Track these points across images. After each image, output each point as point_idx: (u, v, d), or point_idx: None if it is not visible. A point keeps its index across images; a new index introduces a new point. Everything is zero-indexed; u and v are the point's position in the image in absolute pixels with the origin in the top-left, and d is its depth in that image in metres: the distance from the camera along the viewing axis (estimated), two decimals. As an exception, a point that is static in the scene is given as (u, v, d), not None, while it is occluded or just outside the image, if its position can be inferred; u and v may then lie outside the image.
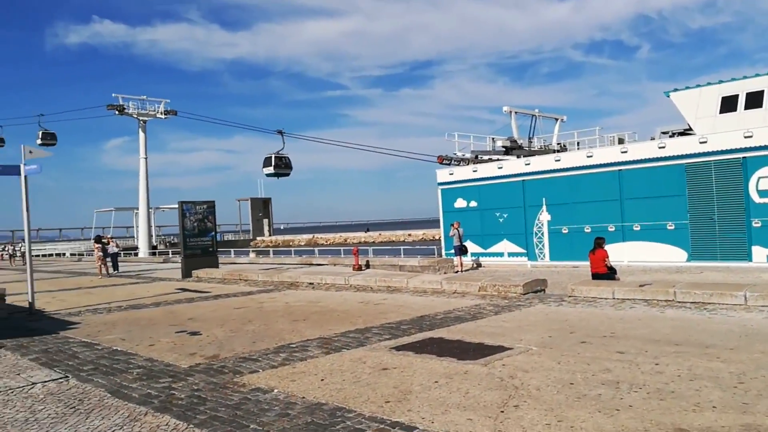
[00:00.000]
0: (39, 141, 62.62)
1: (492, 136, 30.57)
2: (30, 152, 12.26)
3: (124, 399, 5.43)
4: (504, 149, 29.19)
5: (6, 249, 50.12)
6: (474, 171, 24.78)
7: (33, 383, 6.13)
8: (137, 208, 69.27)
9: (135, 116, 65.30)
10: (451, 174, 25.39)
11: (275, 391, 5.47)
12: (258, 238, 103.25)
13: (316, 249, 29.82)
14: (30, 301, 12.34)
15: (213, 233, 21.86)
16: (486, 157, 28.98)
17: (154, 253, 55.62)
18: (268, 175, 45.78)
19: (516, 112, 30.05)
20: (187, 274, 20.48)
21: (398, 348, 7.10)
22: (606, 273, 12.33)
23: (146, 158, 67.39)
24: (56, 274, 27.56)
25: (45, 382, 6.18)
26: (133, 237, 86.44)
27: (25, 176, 12.10)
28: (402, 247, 27.05)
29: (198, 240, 21.25)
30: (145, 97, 66.11)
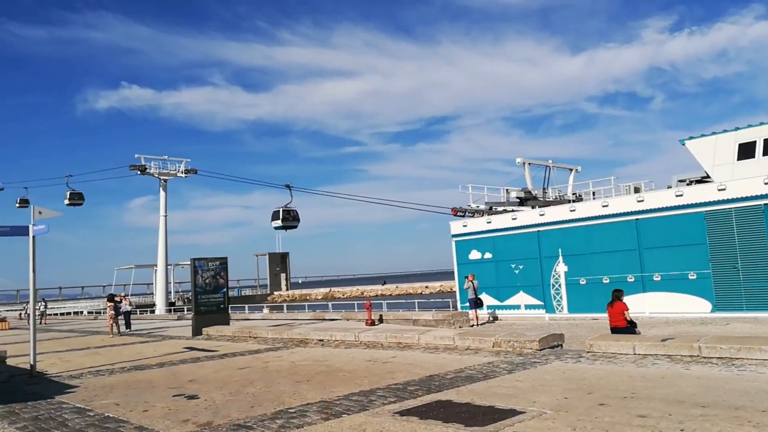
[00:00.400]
0: (67, 201, 63.56)
1: (506, 187, 30.40)
2: (40, 212, 12.26)
3: (103, 474, 5.05)
4: (518, 200, 28.94)
5: (25, 308, 50.15)
6: (488, 222, 24.46)
7: (13, 456, 5.79)
8: (156, 265, 69.58)
9: (156, 176, 66.52)
10: (465, 226, 25.10)
11: (265, 464, 5.07)
12: (275, 293, 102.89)
13: (329, 304, 29.40)
14: (32, 363, 12.07)
15: (225, 290, 21.60)
16: (500, 209, 28.71)
17: (170, 310, 55.53)
18: (276, 228, 46.90)
19: (529, 163, 29.94)
20: (197, 331, 20.13)
21: (402, 413, 6.65)
22: (626, 327, 11.77)
23: (166, 216, 68.19)
24: (69, 333, 27.38)
25: (25, 454, 5.84)
26: (152, 294, 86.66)
27: (33, 236, 12.06)
28: (417, 300, 26.51)
29: (210, 297, 20.97)
30: (166, 157, 67.48)
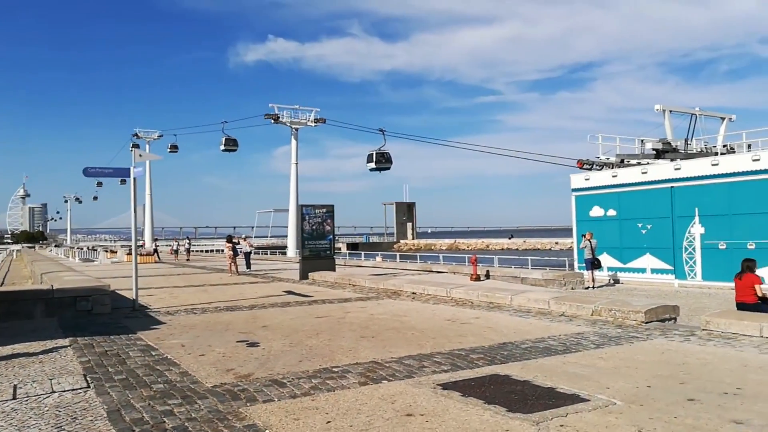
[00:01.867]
0: (222, 147, 67.76)
1: (641, 137, 27.38)
2: (140, 155, 12.80)
3: (112, 423, 4.93)
4: (654, 152, 25.91)
5: (172, 245, 55.06)
6: (614, 176, 22.15)
7: (53, 392, 5.92)
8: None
9: (288, 124, 69.15)
10: (587, 179, 22.97)
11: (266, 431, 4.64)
12: (401, 241, 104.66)
13: (440, 255, 28.81)
14: (134, 298, 12.86)
15: (331, 237, 21.81)
16: (634, 161, 25.93)
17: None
18: (371, 169, 50.55)
19: (671, 111, 26.57)
20: (303, 276, 20.61)
21: (447, 385, 5.91)
22: (755, 303, 9.88)
23: (297, 164, 71.06)
24: (199, 270, 29.53)
25: (65, 391, 5.94)
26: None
27: (134, 178, 12.64)
28: (530, 257, 25.05)
29: (316, 243, 21.31)
30: (297, 106, 69.71)
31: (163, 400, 5.57)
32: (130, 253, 46.22)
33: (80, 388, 6.03)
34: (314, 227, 21.27)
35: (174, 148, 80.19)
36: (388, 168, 50.78)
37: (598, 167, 26.99)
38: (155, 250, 46.74)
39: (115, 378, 6.47)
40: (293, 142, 70.61)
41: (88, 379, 6.42)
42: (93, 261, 44.29)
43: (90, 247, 73.41)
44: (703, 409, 5.09)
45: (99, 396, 5.74)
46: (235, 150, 69.91)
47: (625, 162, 25.98)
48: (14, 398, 5.71)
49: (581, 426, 4.66)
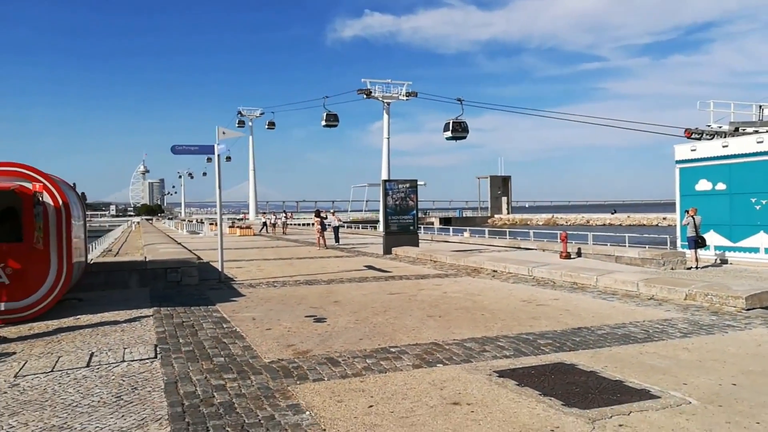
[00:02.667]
0: (324, 122, 68.92)
1: (759, 103, 24.73)
2: (223, 133, 13.20)
3: (166, 395, 5.10)
4: (774, 119, 23.32)
5: (268, 219, 56.63)
6: (724, 146, 20.15)
7: (123, 361, 6.25)
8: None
9: (380, 99, 69.27)
10: (694, 150, 21.08)
11: (306, 413, 4.60)
12: (496, 216, 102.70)
13: (530, 231, 27.76)
14: (220, 270, 13.42)
15: (414, 212, 21.64)
16: (751, 130, 23.50)
17: (389, 227, 58.65)
18: (447, 138, 51.95)
19: (795, 71, 23.71)
20: (387, 251, 20.66)
21: (504, 373, 5.60)
22: None
23: (389, 138, 71.25)
24: (292, 243, 30.50)
25: (133, 360, 6.26)
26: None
27: (218, 155, 13.08)
28: (627, 234, 23.50)
29: (399, 218, 21.25)
30: (389, 80, 69.54)
31: (220, 374, 5.70)
32: (231, 226, 48.72)
33: (148, 359, 6.32)
34: (398, 202, 21.19)
35: (271, 125, 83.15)
36: (465, 137, 52.42)
37: (708, 136, 24.71)
38: (274, 224, 47.19)
39: (183, 349, 6.73)
40: (385, 116, 70.70)
41: (158, 349, 6.72)
42: (198, 233, 47.08)
43: (199, 220, 78.25)
44: (795, 414, 4.46)
45: (163, 367, 5.98)
46: (336, 125, 70.77)
47: (740, 131, 23.59)
48: (88, 365, 6.09)
49: (643, 427, 4.22)
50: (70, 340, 7.31)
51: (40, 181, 8.78)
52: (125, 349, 6.77)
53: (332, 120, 70.13)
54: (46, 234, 8.75)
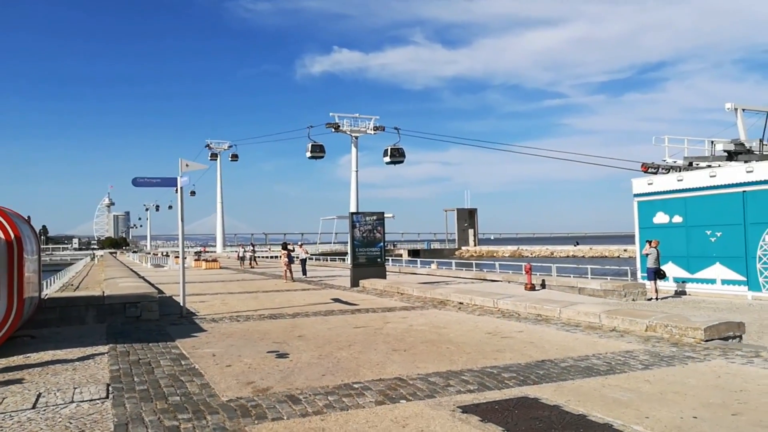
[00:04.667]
0: (309, 154, 68.05)
1: (711, 138, 25.73)
2: (186, 165, 13.04)
3: (116, 437, 4.87)
4: (726, 154, 24.26)
5: (238, 252, 55.35)
6: (679, 180, 20.81)
7: (72, 402, 5.97)
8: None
9: (348, 133, 69.75)
10: (650, 184, 21.68)
11: (263, 454, 4.44)
12: (463, 248, 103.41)
13: (497, 263, 28.01)
14: (182, 304, 13.09)
15: (382, 244, 21.61)
16: (704, 164, 24.35)
17: (357, 259, 58.49)
18: (387, 162, 58.60)
19: (744, 110, 24.81)
20: (354, 283, 20.51)
21: (467, 408, 5.53)
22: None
23: (357, 171, 71.46)
24: (258, 276, 30.05)
25: (83, 401, 5.98)
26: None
27: (181, 187, 12.89)
28: (589, 266, 23.92)
29: (367, 250, 21.19)
30: (357, 114, 70.20)
31: (174, 414, 5.48)
32: (197, 259, 47.75)
33: (98, 399, 6.05)
34: (365, 234, 21.15)
35: (234, 157, 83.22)
36: (402, 161, 59.55)
37: (664, 171, 25.50)
38: (242, 257, 45.62)
39: (137, 389, 6.47)
40: (353, 150, 71.12)
41: (110, 389, 6.45)
42: (163, 266, 46.05)
43: (164, 253, 76.62)
44: (753, 446, 4.50)
45: (114, 408, 5.73)
46: (322, 156, 69.66)
47: (694, 165, 24.43)
48: (34, 407, 5.79)
49: (605, 462, 4.19)
50: (17, 380, 6.96)
51: (-8, 214, 8.47)
52: (75, 389, 6.48)
53: (318, 151, 69.31)
54: (-5, 268, 8.40)
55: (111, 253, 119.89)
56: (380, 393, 6.14)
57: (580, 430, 4.91)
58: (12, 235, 8.63)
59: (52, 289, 27.98)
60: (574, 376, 6.82)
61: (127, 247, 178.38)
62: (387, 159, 59.36)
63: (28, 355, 8.49)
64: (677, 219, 20.37)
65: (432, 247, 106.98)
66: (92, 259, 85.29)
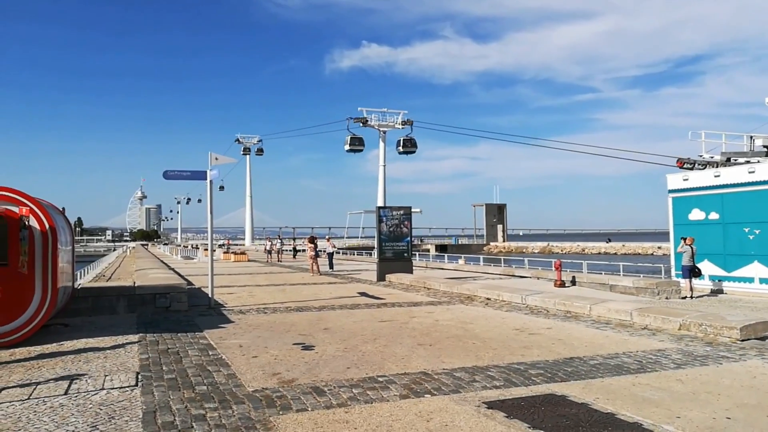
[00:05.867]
0: (347, 147, 68.31)
1: (750, 134, 24.96)
2: (216, 158, 13.17)
3: (144, 425, 4.94)
4: (766, 150, 23.49)
5: (265, 245, 55.01)
6: (716, 176, 20.23)
7: (102, 389, 6.08)
8: (380, 211, 73.59)
9: (376, 127, 69.63)
10: (686, 179, 21.14)
11: (287, 444, 4.45)
12: (492, 243, 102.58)
13: (525, 259, 27.63)
14: (210, 296, 13.26)
15: (408, 239, 21.56)
16: (742, 160, 23.64)
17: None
18: (399, 153, 63.26)
19: (786, 102, 23.97)
20: (381, 277, 20.51)
21: (492, 404, 5.46)
22: None
23: (385, 165, 71.44)
24: (286, 269, 30.29)
25: (113, 388, 6.09)
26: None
27: (211, 180, 13.03)
28: (621, 263, 23.45)
29: (393, 245, 21.16)
30: (385, 109, 70.10)
31: (201, 404, 5.54)
32: (226, 252, 48.38)
33: (128, 387, 6.15)
34: (392, 229, 21.12)
35: (260, 151, 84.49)
36: (414, 151, 63.53)
37: (700, 166, 24.81)
38: (269, 250, 42.44)
39: (165, 377, 6.56)
40: (381, 144, 71.04)
41: (139, 377, 6.55)
42: (192, 259, 46.80)
43: (194, 245, 77.85)
44: (790, 450, 4.34)
45: (143, 395, 5.82)
46: (361, 150, 69.35)
47: (732, 161, 23.73)
48: (66, 393, 5.91)
49: (634, 462, 4.09)
50: (51, 367, 7.13)
51: (27, 205, 8.69)
52: (106, 376, 6.60)
53: (357, 144, 69.14)
54: (31, 258, 8.63)
55: (143, 245, 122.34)
56: (405, 387, 6.11)
57: (608, 428, 4.80)
58: (47, 226, 8.84)
59: (86, 279, 28.65)
60: (603, 374, 6.69)
61: (159, 240, 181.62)
62: (400, 149, 63.19)
63: (62, 342, 8.70)
64: (713, 216, 19.83)
65: (459, 243, 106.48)
66: (124, 250, 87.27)
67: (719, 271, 19.57)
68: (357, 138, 69.68)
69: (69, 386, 6.17)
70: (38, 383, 6.33)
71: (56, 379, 6.49)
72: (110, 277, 32.30)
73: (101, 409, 5.37)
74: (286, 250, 51.59)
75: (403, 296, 15.48)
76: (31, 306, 8.61)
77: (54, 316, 10.00)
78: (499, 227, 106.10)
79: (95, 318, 11.30)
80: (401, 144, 63.28)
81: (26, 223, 8.55)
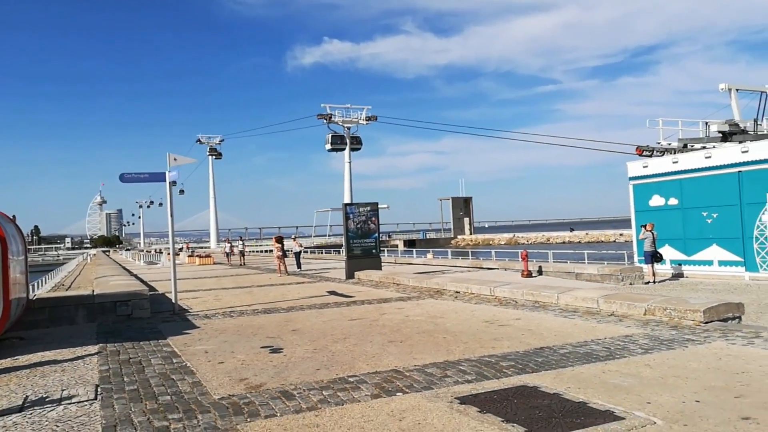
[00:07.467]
0: (329, 146, 69.52)
1: (705, 120, 25.66)
2: (175, 159, 12.81)
3: (103, 440, 4.71)
4: (721, 135, 24.19)
5: (224, 247, 53.03)
6: (674, 162, 20.73)
7: (60, 404, 5.79)
8: (346, 208, 73.74)
9: (340, 123, 69.29)
10: (645, 167, 21.61)
11: (255, 453, 4.28)
12: (459, 237, 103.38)
13: (492, 251, 27.92)
14: (173, 301, 12.91)
15: (376, 235, 21.46)
16: (699, 146, 24.28)
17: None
18: (328, 150, 69.35)
19: (738, 90, 24.75)
20: (349, 275, 20.36)
21: (465, 399, 5.39)
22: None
23: (350, 162, 71.12)
24: (253, 270, 29.88)
25: (71, 403, 5.80)
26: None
27: (170, 182, 12.67)
28: (587, 251, 23.85)
29: (361, 242, 21.03)
30: (349, 105, 69.90)
31: (164, 415, 5.32)
32: (191, 255, 47.46)
33: (87, 401, 5.87)
34: (359, 225, 20.99)
35: (218, 155, 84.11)
36: (359, 148, 68.26)
37: (658, 153, 25.43)
38: (228, 252, 41.23)
39: (127, 389, 6.30)
40: (347, 141, 70.69)
41: (99, 390, 6.27)
42: (156, 264, 45.81)
43: (157, 250, 76.21)
44: (759, 429, 4.38)
45: (102, 409, 5.56)
46: (343, 149, 69.33)
47: (689, 147, 24.37)
48: (21, 410, 5.61)
49: (608, 451, 4.06)
50: (5, 383, 6.78)
51: (-27, 214, 8.25)
52: (63, 390, 6.30)
53: (339, 143, 69.39)
54: (-21, 270, 8.20)
55: (104, 251, 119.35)
56: (376, 386, 5.99)
57: (580, 417, 4.78)
58: (-5, 236, 8.42)
59: (44, 289, 27.73)
60: (573, 363, 6.70)
61: (121, 246, 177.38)
62: (328, 146, 68.25)
63: (16, 357, 8.30)
64: (673, 201, 20.31)
65: (428, 237, 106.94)
66: (85, 258, 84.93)
67: (680, 255, 20.07)
68: (339, 136, 69.80)
69: (23, 403, 5.86)
70: (-10, 402, 5.99)
71: (9, 396, 6.16)
72: (70, 286, 31.33)
73: (58, 426, 5.11)
74: (250, 251, 50.52)
75: (373, 293, 15.37)
76: (-19, 320, 8.18)
77: (8, 329, 9.56)
78: (466, 220, 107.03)
79: (53, 329, 10.87)
80: (330, 141, 67.98)
81: (-27, 233, 8.12)
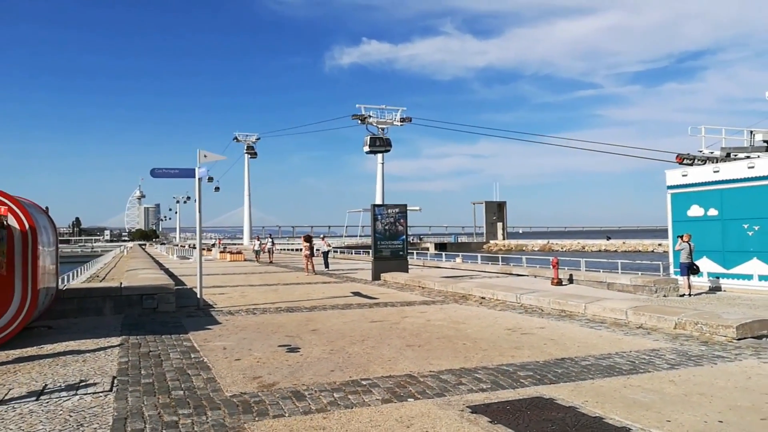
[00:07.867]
0: (367, 148, 68.48)
1: (750, 128, 24.74)
2: (205, 156, 12.97)
3: (112, 432, 4.74)
4: (766, 145, 23.28)
5: (254, 244, 52.22)
6: (715, 172, 20.02)
7: (76, 393, 5.88)
8: (379, 208, 73.69)
9: (374, 124, 69.35)
10: (685, 175, 20.92)
11: (258, 453, 4.25)
12: (491, 241, 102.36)
13: (523, 257, 27.44)
14: (198, 297, 13.06)
15: (404, 237, 21.35)
16: (742, 155, 23.42)
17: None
18: (366, 152, 65.36)
19: (786, 97, 23.75)
20: (376, 276, 20.31)
21: (477, 409, 5.26)
22: None
23: (383, 163, 71.15)
24: (281, 268, 30.10)
25: (87, 394, 5.88)
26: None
27: (199, 178, 12.83)
28: (621, 260, 23.22)
29: (389, 243, 20.95)
30: (384, 106, 69.85)
31: (175, 410, 5.34)
32: (223, 251, 48.13)
33: (102, 392, 5.95)
34: (387, 227, 20.91)
35: (254, 154, 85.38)
36: (388, 150, 66.14)
37: (699, 162, 24.59)
38: (257, 250, 39.72)
39: (142, 382, 6.36)
40: (385, 143, 70.66)
41: (115, 381, 6.35)
42: (188, 259, 46.58)
43: (191, 245, 77.57)
44: (785, 456, 4.14)
45: (116, 401, 5.62)
46: (382, 151, 68.41)
47: (732, 156, 23.52)
48: (37, 399, 5.72)
49: (620, 471, 3.88)
50: (27, 371, 6.93)
51: (6, 204, 8.49)
52: (81, 381, 6.40)
53: (377, 144, 68.39)
54: (10, 259, 8.42)
55: (140, 245, 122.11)
56: (388, 390, 5.90)
57: (595, 434, 4.61)
58: (27, 226, 8.64)
59: (80, 279, 28.49)
60: (594, 376, 6.49)
61: (157, 239, 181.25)
62: (367, 149, 64.93)
63: (42, 345, 8.50)
64: (712, 212, 19.62)
65: (459, 241, 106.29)
66: (122, 250, 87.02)
67: (718, 268, 19.37)
68: (377, 138, 69.09)
69: (41, 392, 5.97)
70: (10, 388, 6.13)
71: (29, 384, 6.29)
72: (104, 278, 32.14)
73: (71, 416, 5.18)
74: (279, 250, 50.52)
75: (397, 295, 15.28)
76: (10, 308, 8.40)
77: (37, 318, 9.81)
78: (499, 225, 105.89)
79: (80, 320, 11.10)
80: (368, 143, 65.29)
81: (4, 222, 8.34)
